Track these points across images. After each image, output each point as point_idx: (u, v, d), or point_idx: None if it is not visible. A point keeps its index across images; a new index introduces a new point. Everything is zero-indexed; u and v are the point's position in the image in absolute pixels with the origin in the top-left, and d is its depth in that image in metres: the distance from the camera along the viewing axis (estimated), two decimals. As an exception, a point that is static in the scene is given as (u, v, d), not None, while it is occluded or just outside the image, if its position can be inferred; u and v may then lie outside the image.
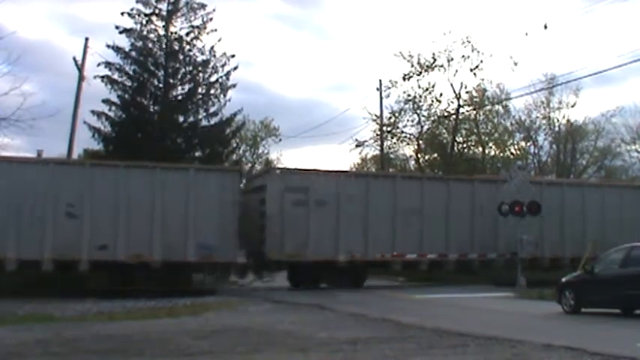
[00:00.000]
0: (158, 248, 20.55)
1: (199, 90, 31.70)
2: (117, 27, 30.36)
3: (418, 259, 23.93)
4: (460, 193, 24.75)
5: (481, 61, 38.43)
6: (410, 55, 39.42)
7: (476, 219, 24.65)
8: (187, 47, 31.37)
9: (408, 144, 42.47)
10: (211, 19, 31.51)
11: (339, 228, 22.59)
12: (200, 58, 31.47)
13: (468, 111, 41.39)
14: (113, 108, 30.49)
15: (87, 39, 29.65)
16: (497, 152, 43.58)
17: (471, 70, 38.78)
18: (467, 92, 40.44)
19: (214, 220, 21.21)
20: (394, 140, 41.67)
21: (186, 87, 31.68)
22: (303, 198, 22.27)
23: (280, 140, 51.01)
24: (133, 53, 30.79)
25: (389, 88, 39.29)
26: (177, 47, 31.34)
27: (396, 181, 24.39)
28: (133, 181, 20.82)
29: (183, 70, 31.47)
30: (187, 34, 31.38)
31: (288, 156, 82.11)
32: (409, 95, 39.85)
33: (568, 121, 43.48)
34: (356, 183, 23.53)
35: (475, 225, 24.64)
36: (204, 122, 31.74)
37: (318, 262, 22.22)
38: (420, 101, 40.16)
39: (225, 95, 31.61)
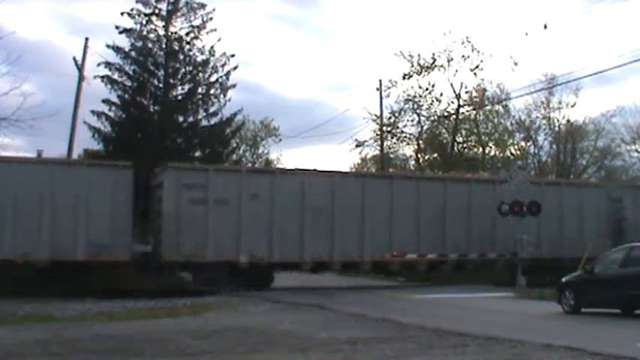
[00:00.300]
0: (46, 247, 19.73)
1: (199, 90, 31.77)
2: (117, 27, 30.46)
3: (330, 260, 22.83)
4: (377, 189, 23.49)
5: (481, 61, 38.57)
6: (410, 55, 39.54)
7: (394, 218, 23.34)
8: (187, 47, 31.44)
9: (408, 144, 42.58)
10: (211, 18, 31.63)
11: (241, 227, 21.44)
12: (200, 58, 31.56)
13: (468, 111, 41.48)
14: (113, 108, 30.56)
15: (87, 39, 29.69)
16: (497, 152, 43.61)
17: (471, 70, 38.90)
18: (467, 92, 40.58)
19: (106, 217, 20.39)
20: (394, 140, 41.79)
21: (186, 87, 31.77)
22: (201, 196, 21.22)
23: (280, 140, 51.05)
24: (133, 53, 30.85)
25: (389, 88, 39.44)
26: (177, 47, 31.40)
27: (304, 179, 22.88)
28: (20, 176, 19.98)
29: (183, 70, 31.54)
30: (187, 34, 31.46)
31: (288, 156, 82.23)
32: (409, 95, 39.96)
33: (568, 121, 43.49)
34: (259, 180, 22.30)
35: (394, 226, 23.37)
36: (204, 122, 31.82)
37: (218, 263, 21.10)
38: (419, 101, 40.26)
39: (225, 95, 31.72)
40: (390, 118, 40.63)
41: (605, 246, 24.82)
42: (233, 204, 21.48)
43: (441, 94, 39.94)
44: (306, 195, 22.36)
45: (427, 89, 39.73)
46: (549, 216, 24.92)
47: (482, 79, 39.79)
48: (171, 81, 31.40)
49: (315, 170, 24.25)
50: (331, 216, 22.59)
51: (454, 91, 39.88)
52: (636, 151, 44.02)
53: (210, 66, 31.67)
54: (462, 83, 39.88)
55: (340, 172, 24.14)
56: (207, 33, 31.54)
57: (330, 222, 22.56)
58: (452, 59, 39.01)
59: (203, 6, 31.61)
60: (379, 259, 23.45)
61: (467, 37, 38.67)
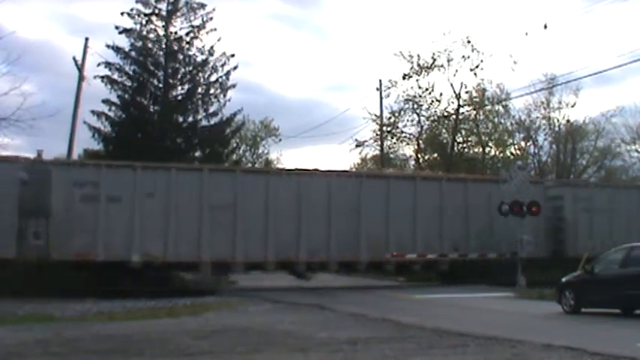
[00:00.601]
0: None
1: (199, 90, 31.76)
2: (117, 27, 30.47)
3: (231, 261, 21.69)
4: (283, 187, 22.48)
5: (481, 61, 38.52)
6: (410, 55, 39.53)
7: (302, 217, 22.24)
8: (187, 47, 31.44)
9: (408, 144, 42.59)
10: (211, 18, 31.63)
11: (134, 226, 20.57)
12: (200, 57, 31.56)
13: (467, 111, 41.47)
14: (113, 108, 30.58)
15: (87, 39, 29.75)
16: (497, 152, 43.61)
17: (471, 70, 38.86)
18: (467, 92, 40.55)
19: None
20: (394, 140, 41.80)
21: (186, 87, 31.76)
22: (93, 193, 20.30)
23: (280, 140, 51.14)
24: (133, 53, 30.85)
25: (389, 88, 39.45)
26: (176, 47, 31.41)
27: (203, 176, 21.78)
28: None
29: (182, 70, 31.55)
30: (187, 34, 31.46)
31: (288, 156, 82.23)
32: (409, 95, 39.97)
33: (568, 121, 43.49)
34: (155, 178, 21.20)
35: (302, 224, 22.34)
36: (204, 122, 31.81)
37: (110, 263, 20.23)
38: (419, 101, 40.27)
39: (225, 95, 31.72)
40: (390, 118, 40.70)
41: (541, 247, 24.20)
42: (126, 201, 20.65)
43: (441, 94, 39.99)
44: (205, 192, 21.39)
45: (427, 89, 39.77)
46: (480, 215, 24.36)
47: (482, 79, 39.78)
48: (171, 81, 31.40)
49: (215, 167, 23.14)
50: (233, 214, 21.56)
51: (454, 91, 39.89)
52: (636, 151, 44.09)
53: (209, 66, 31.68)
54: (462, 83, 39.89)
55: (243, 168, 22.99)
56: (207, 33, 31.57)
57: (232, 221, 21.54)
58: (452, 59, 39.02)
59: (203, 6, 31.63)
60: (285, 259, 22.40)
61: (467, 38, 38.66)
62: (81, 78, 29.07)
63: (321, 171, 24.31)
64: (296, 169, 24.08)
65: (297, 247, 22.28)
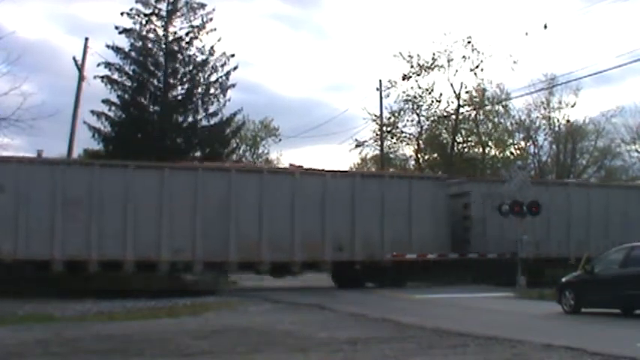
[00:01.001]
0: None
1: (199, 90, 31.82)
2: (116, 27, 30.55)
3: (86, 259, 20.27)
4: (145, 181, 21.04)
5: (481, 61, 38.56)
6: (409, 56, 39.56)
7: (164, 213, 20.87)
8: (187, 47, 31.49)
9: (407, 144, 42.62)
10: (211, 19, 31.70)
11: None
12: (199, 57, 31.62)
13: (467, 111, 41.51)
14: (113, 108, 30.65)
15: (87, 39, 29.75)
16: (497, 152, 43.64)
17: (471, 70, 38.89)
18: (467, 92, 40.60)
19: None
20: (394, 140, 41.84)
21: (186, 87, 31.81)
22: None
23: (280, 140, 51.09)
24: (133, 53, 30.91)
25: (389, 88, 39.47)
26: (176, 47, 31.46)
27: (55, 169, 20.56)
28: None
29: (182, 70, 31.60)
30: (187, 34, 31.53)
31: (288, 156, 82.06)
32: (409, 95, 40.00)
33: (568, 121, 43.55)
34: (4, 171, 20.08)
35: (163, 221, 20.91)
36: (204, 122, 31.89)
37: None
38: (419, 101, 40.30)
39: (224, 95, 31.81)
40: (389, 118, 40.73)
41: (443, 248, 23.22)
42: None
43: (441, 95, 40.04)
44: (58, 187, 20.17)
45: (427, 89, 39.81)
46: (366, 214, 22.83)
47: (482, 79, 39.86)
48: (171, 81, 31.45)
49: (70, 160, 22.14)
50: (89, 210, 20.29)
51: (454, 91, 39.96)
52: (636, 151, 44.14)
53: (209, 66, 31.76)
54: (462, 83, 39.96)
55: (100, 162, 21.51)
56: (207, 33, 31.65)
57: (87, 216, 20.26)
58: (452, 59, 39.07)
59: (203, 6, 31.70)
60: (145, 259, 20.77)
61: (467, 38, 38.69)
62: (81, 78, 29.09)
63: (185, 165, 23.21)
64: (156, 164, 22.52)
65: (158, 245, 20.84)
